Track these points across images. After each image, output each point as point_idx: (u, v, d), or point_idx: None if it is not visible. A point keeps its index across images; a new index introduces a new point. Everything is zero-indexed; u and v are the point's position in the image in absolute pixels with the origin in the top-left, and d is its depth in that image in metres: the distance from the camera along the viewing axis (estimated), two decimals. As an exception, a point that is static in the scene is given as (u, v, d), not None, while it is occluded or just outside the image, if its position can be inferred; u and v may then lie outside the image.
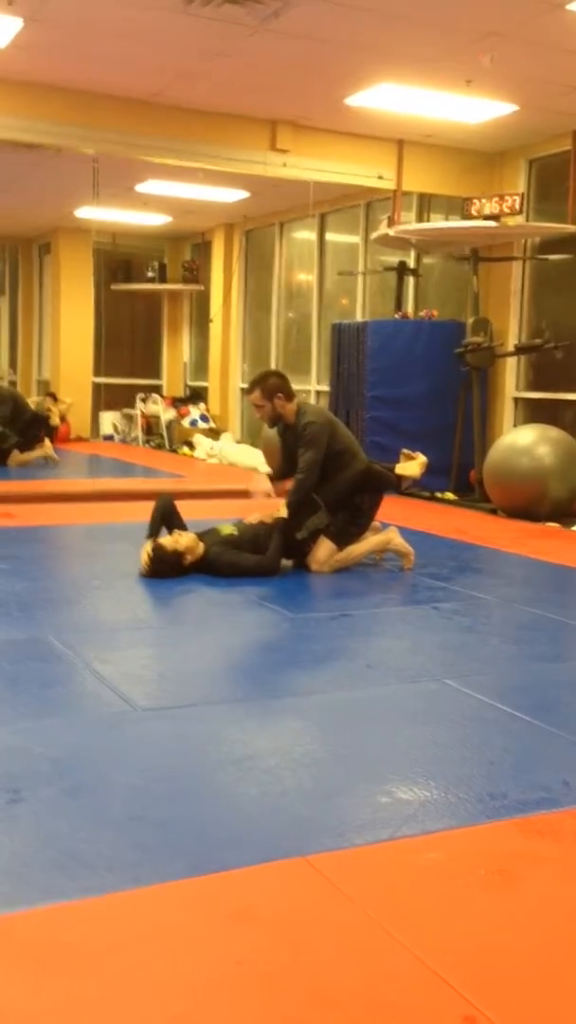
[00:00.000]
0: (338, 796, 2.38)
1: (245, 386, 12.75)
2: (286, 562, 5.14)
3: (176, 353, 14.78)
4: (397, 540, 5.23)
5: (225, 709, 3.00)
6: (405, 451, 5.38)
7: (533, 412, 8.85)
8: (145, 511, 5.27)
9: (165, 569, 4.81)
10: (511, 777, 2.53)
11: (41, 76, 7.34)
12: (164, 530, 5.03)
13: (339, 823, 2.24)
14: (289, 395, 5.21)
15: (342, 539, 5.09)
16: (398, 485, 5.32)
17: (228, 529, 5.06)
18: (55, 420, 10.93)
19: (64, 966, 1.69)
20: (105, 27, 6.30)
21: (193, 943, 1.76)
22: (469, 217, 8.19)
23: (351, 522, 5.13)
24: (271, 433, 6.36)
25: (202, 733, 2.79)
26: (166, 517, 5.08)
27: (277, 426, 5.35)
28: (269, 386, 5.18)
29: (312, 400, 11.16)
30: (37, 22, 6.20)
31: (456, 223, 8.57)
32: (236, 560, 4.89)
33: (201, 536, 4.97)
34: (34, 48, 6.69)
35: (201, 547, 4.90)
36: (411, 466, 5.29)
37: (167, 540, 4.88)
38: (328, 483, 5.08)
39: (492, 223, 8.09)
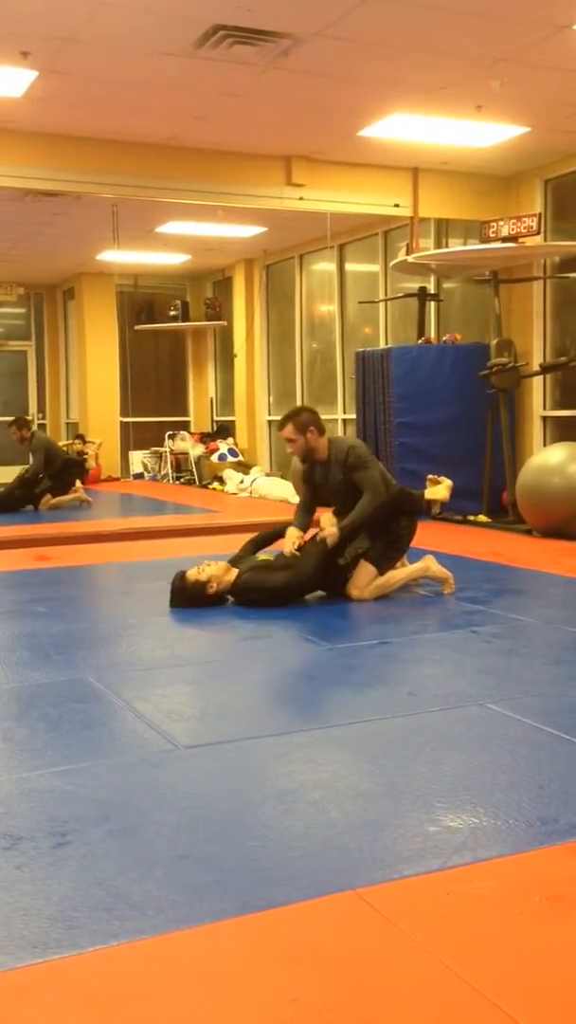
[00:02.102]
0: (386, 827, 2.35)
1: (272, 419, 12.85)
2: (320, 593, 5.14)
3: (202, 389, 14.90)
4: (435, 567, 5.21)
5: (268, 743, 2.98)
6: (431, 476, 5.41)
7: (562, 430, 8.80)
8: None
9: (185, 600, 4.89)
10: (561, 801, 2.49)
11: (58, 125, 7.49)
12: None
13: (388, 855, 2.21)
14: (321, 429, 5.28)
15: (382, 563, 5.08)
16: (428, 510, 5.33)
17: (264, 557, 5.10)
18: (91, 463, 11.05)
19: (117, 1010, 1.67)
20: (118, 76, 6.43)
21: (246, 982, 1.74)
22: (487, 240, 8.22)
23: (390, 546, 5.13)
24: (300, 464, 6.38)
25: (246, 769, 2.78)
26: (259, 545, 5.27)
27: (307, 463, 5.37)
28: (302, 420, 5.23)
29: (340, 429, 11.18)
30: (53, 73, 6.33)
31: (474, 247, 8.60)
32: (264, 580, 4.92)
33: (236, 563, 5.01)
34: (50, 98, 6.84)
35: (232, 575, 4.93)
36: (439, 490, 5.29)
37: (191, 571, 4.94)
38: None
39: (510, 245, 8.10)
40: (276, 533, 5.37)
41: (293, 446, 5.30)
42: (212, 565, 4.96)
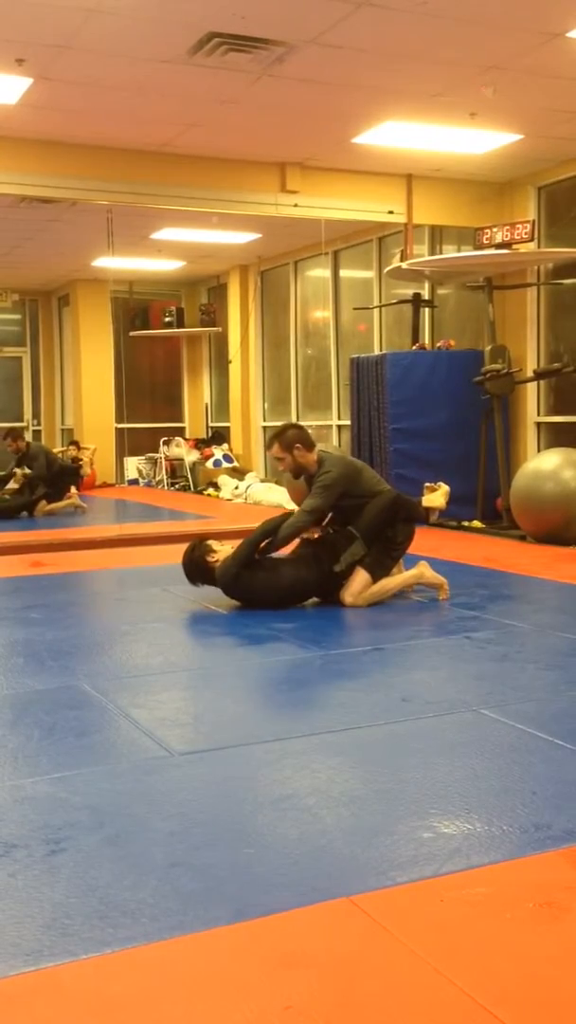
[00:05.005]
0: (379, 833, 2.35)
1: (267, 425, 12.87)
2: (315, 599, 5.14)
3: (197, 395, 14.90)
4: (429, 573, 5.21)
5: (262, 749, 2.98)
6: (428, 484, 5.41)
7: (556, 436, 8.82)
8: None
9: (190, 552, 5.11)
10: (555, 807, 2.49)
11: (53, 132, 7.49)
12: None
13: (382, 861, 2.21)
14: (309, 445, 5.26)
15: (377, 570, 5.08)
16: (426, 517, 5.32)
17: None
18: (86, 469, 11.06)
19: (110, 1018, 1.67)
20: (113, 83, 6.44)
21: (240, 990, 1.74)
22: (481, 247, 8.24)
23: (386, 553, 5.12)
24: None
25: (240, 775, 2.78)
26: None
27: (301, 477, 5.38)
28: (288, 438, 5.23)
29: (334, 435, 11.19)
30: (47, 80, 6.34)
31: (468, 253, 8.62)
32: (251, 580, 4.98)
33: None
34: (45, 105, 6.84)
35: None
36: (436, 497, 5.30)
37: (213, 540, 5.16)
38: (360, 518, 5.09)
39: (504, 251, 8.12)
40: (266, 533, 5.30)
41: (282, 464, 5.34)
42: (228, 548, 5.07)
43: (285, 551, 5.19)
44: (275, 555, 5.14)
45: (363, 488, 5.19)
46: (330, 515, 5.27)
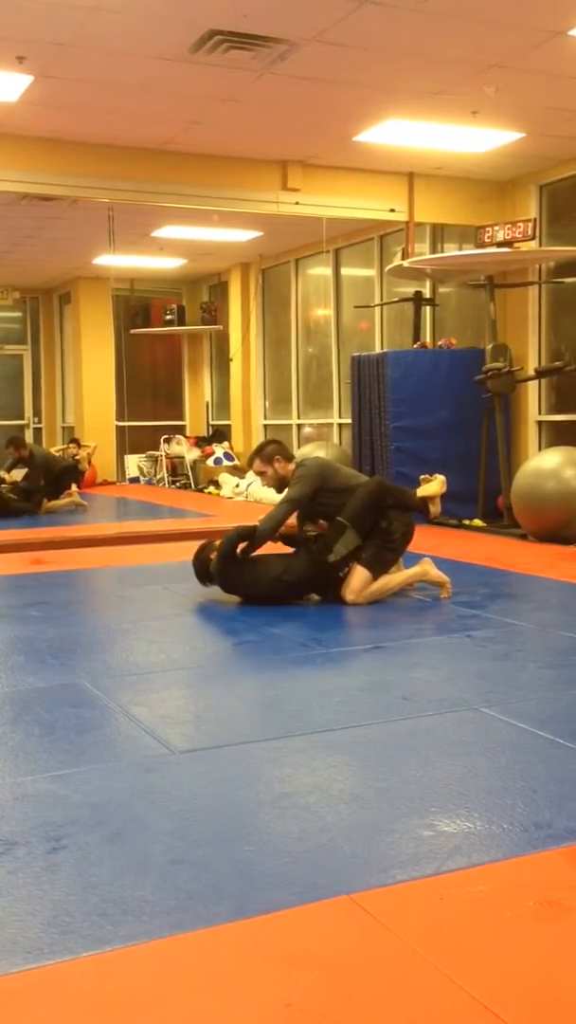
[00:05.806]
0: (380, 832, 2.36)
1: (268, 423, 12.87)
2: (315, 597, 5.14)
3: (198, 393, 14.90)
4: (432, 571, 5.19)
5: (262, 748, 2.98)
6: (424, 476, 5.41)
7: (558, 435, 8.81)
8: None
9: (199, 552, 5.25)
10: (555, 805, 2.49)
11: (54, 130, 7.49)
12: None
13: (382, 859, 2.21)
14: (287, 457, 5.38)
15: (377, 566, 5.05)
16: (426, 511, 5.30)
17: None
18: (84, 465, 11.10)
19: (110, 1016, 1.67)
20: (114, 80, 6.43)
21: (240, 987, 1.74)
22: (482, 245, 8.23)
23: (383, 547, 5.09)
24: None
25: (240, 773, 2.78)
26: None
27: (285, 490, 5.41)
28: (267, 452, 5.36)
29: (335, 433, 11.19)
30: (48, 78, 6.34)
31: (470, 251, 8.61)
32: (240, 572, 5.08)
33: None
34: (46, 103, 6.84)
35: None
36: (431, 486, 5.29)
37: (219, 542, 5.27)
38: (344, 508, 5.06)
39: (505, 249, 8.12)
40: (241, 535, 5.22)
41: (265, 478, 5.44)
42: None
43: (273, 548, 5.20)
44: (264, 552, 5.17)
45: (341, 482, 5.20)
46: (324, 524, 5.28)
